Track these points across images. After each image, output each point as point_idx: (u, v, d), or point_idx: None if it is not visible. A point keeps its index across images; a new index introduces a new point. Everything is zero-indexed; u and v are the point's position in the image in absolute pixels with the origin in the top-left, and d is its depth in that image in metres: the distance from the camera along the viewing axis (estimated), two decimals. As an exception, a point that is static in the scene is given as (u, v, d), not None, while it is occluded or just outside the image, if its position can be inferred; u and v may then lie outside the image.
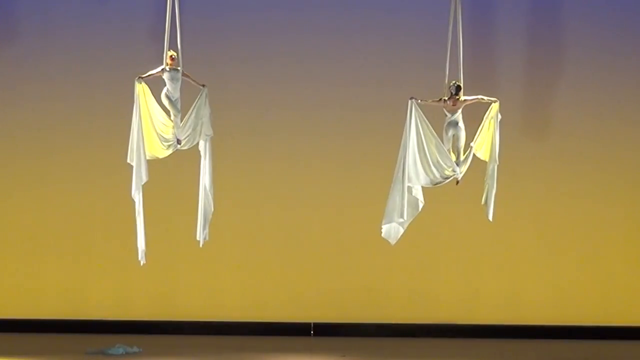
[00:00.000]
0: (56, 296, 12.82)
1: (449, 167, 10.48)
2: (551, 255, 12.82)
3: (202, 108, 10.56)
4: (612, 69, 12.90)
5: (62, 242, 12.88)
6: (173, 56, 10.42)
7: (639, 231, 12.83)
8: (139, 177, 10.26)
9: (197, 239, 10.62)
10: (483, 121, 10.55)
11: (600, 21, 12.93)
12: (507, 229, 12.72)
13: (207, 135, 10.59)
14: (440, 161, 10.46)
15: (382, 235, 10.60)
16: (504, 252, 12.81)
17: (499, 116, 10.56)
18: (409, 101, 10.41)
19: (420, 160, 10.46)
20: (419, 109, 10.42)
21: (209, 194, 10.69)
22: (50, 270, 12.86)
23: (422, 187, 10.53)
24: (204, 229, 10.65)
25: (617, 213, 12.84)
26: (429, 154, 10.45)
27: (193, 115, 10.52)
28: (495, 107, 10.56)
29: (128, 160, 10.27)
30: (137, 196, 10.27)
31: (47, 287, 12.84)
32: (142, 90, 10.31)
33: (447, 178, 10.52)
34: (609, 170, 12.87)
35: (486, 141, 10.58)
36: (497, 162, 10.51)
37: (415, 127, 10.42)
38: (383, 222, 10.54)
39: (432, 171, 10.48)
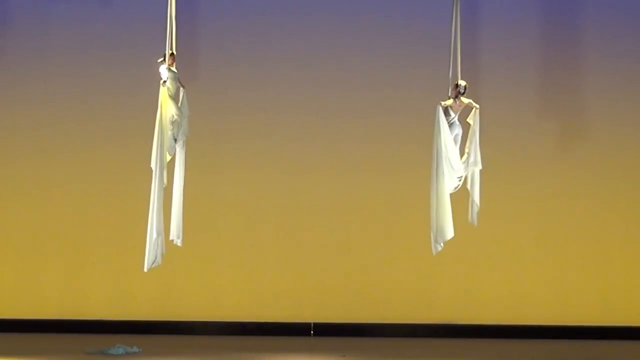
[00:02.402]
0: (56, 296, 12.83)
1: (462, 170, 10.55)
2: (551, 255, 12.81)
3: (184, 109, 10.55)
4: (618, 74, 12.92)
5: (62, 242, 12.88)
6: (175, 56, 10.41)
7: (640, 231, 12.87)
8: (162, 182, 10.28)
9: (172, 238, 10.55)
10: (473, 127, 10.60)
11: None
12: (507, 229, 12.74)
13: (184, 135, 10.59)
14: (456, 165, 10.52)
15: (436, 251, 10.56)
16: (504, 252, 12.81)
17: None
18: (438, 107, 10.44)
19: (446, 166, 10.50)
20: (443, 114, 10.49)
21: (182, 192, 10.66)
22: (50, 270, 12.86)
23: None
24: (178, 227, 10.60)
25: (618, 213, 12.83)
26: (452, 158, 10.49)
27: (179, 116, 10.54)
28: (477, 112, 10.63)
29: (152, 165, 10.27)
30: (161, 200, 10.27)
31: (47, 287, 12.85)
32: (164, 93, 10.32)
33: (460, 181, 10.60)
34: (609, 170, 12.87)
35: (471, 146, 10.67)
36: (480, 167, 10.54)
37: (442, 133, 10.44)
38: (439, 240, 10.49)
39: (453, 176, 10.52)
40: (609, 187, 12.85)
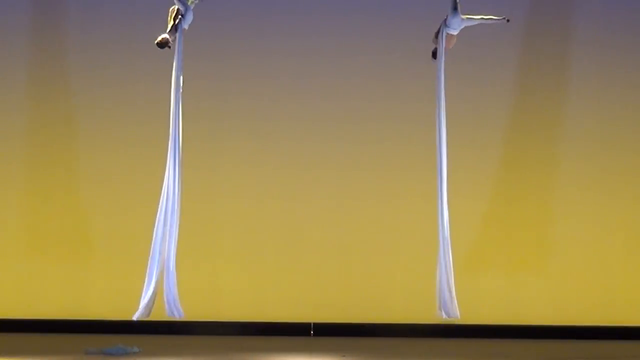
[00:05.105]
0: (56, 296, 12.83)
1: None
2: (551, 254, 12.80)
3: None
4: (616, 67, 12.90)
5: (62, 242, 12.89)
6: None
7: (640, 230, 12.86)
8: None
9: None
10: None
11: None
12: (506, 229, 12.73)
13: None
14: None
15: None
16: (503, 252, 12.80)
17: None
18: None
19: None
20: None
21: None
22: (50, 270, 12.87)
23: None
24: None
25: (618, 212, 12.82)
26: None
27: None
28: None
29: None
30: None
31: (47, 287, 12.85)
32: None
33: None
34: (609, 170, 12.86)
35: None
36: None
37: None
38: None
39: None
40: (609, 185, 12.84)
